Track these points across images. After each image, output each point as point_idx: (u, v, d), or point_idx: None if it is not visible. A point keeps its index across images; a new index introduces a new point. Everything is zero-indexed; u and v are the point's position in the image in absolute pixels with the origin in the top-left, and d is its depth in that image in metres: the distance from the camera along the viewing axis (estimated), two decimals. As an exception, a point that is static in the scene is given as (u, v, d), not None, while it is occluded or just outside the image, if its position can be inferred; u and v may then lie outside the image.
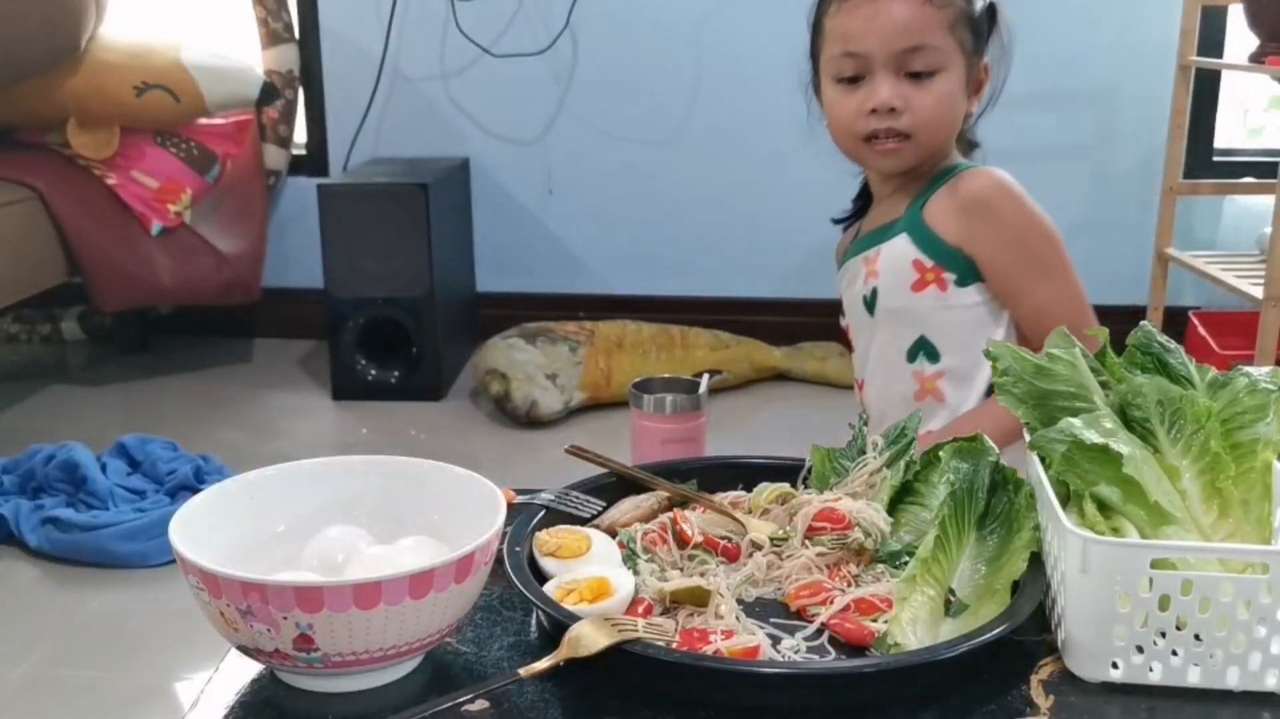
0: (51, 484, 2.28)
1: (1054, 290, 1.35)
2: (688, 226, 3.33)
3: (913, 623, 0.85)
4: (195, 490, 1.28)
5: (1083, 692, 0.81)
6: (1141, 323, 0.98)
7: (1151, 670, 0.81)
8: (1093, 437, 0.85)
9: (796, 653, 0.85)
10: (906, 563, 0.91)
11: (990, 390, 1.35)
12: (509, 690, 0.80)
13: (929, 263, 1.38)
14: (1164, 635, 0.80)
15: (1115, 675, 0.82)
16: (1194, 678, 0.81)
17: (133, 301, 3.07)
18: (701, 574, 0.93)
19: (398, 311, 2.93)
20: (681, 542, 0.97)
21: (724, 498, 1.04)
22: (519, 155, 3.34)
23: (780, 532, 0.98)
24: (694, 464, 1.11)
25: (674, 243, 3.35)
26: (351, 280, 2.91)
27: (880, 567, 0.95)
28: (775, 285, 3.32)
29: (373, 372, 2.98)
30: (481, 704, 0.79)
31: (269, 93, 3.06)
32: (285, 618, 0.76)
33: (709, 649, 0.82)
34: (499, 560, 0.86)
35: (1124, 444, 0.84)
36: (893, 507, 1.00)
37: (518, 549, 0.92)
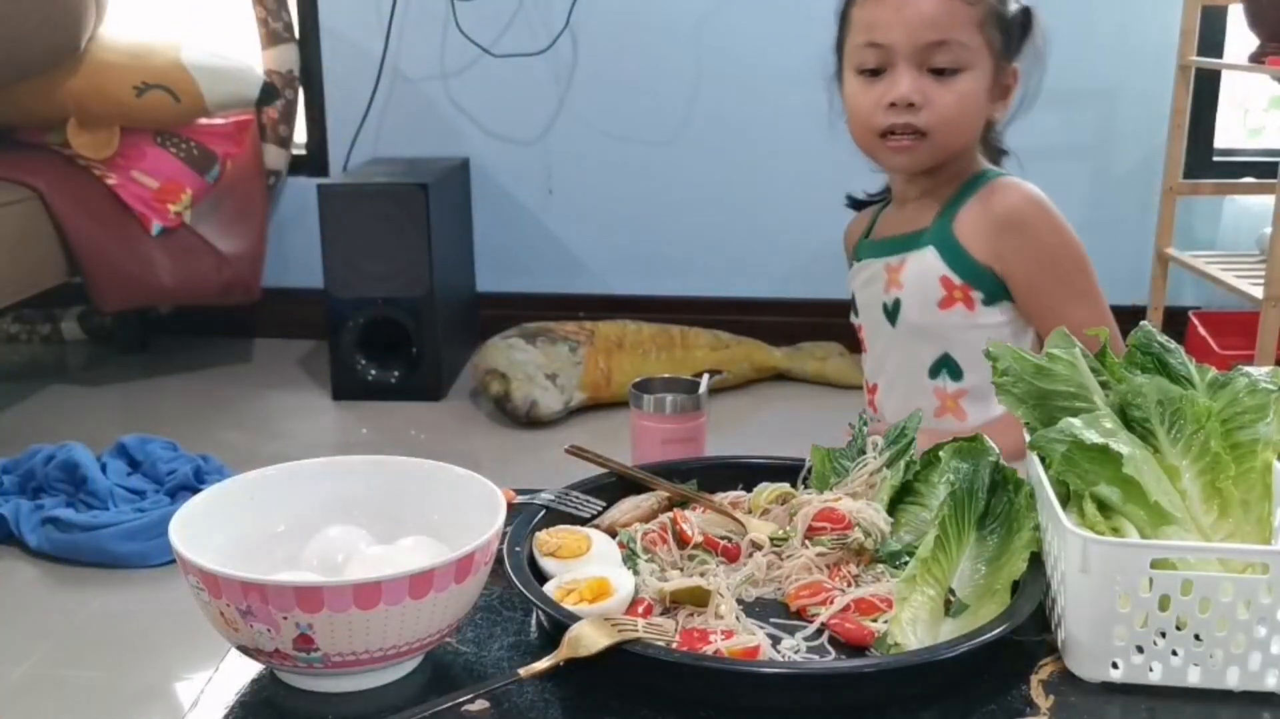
0: (51, 484, 2.28)
1: (1083, 312, 1.32)
2: (688, 226, 3.33)
3: (913, 623, 0.85)
4: (195, 490, 1.28)
5: (1083, 692, 0.81)
6: (1141, 323, 0.98)
7: (1151, 670, 0.81)
8: (1093, 437, 0.85)
9: (796, 653, 0.85)
10: (906, 563, 0.91)
11: None
12: (509, 690, 0.80)
13: (958, 280, 1.35)
14: (1164, 635, 0.80)
15: (1115, 675, 0.82)
16: (1194, 678, 0.81)
17: (133, 301, 3.07)
18: (701, 574, 0.93)
19: (398, 311, 2.93)
20: (681, 542, 0.97)
21: (724, 498, 1.04)
22: (519, 155, 3.34)
23: (780, 532, 0.98)
24: (694, 464, 1.11)
25: (674, 243, 3.35)
26: (351, 280, 2.91)
27: (880, 567, 0.95)
28: (775, 285, 3.33)
29: (373, 371, 2.98)
30: (481, 704, 0.79)
31: (269, 93, 3.06)
32: (285, 618, 0.76)
33: (709, 649, 0.82)
34: (499, 560, 0.86)
35: (1124, 444, 0.84)
36: (893, 507, 1.00)
37: (518, 549, 0.92)
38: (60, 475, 2.28)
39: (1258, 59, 2.64)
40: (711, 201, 3.30)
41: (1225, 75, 3.18)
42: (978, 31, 1.31)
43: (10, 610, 2.01)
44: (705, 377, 1.25)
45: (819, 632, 0.87)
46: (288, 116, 3.28)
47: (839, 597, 0.89)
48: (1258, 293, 2.50)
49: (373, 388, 2.97)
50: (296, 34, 3.27)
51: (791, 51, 3.11)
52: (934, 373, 1.39)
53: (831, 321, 3.06)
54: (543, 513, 0.99)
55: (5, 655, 1.84)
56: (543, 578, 0.91)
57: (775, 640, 0.86)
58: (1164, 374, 0.92)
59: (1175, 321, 2.93)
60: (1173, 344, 0.96)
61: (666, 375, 1.30)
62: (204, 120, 3.10)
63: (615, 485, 1.06)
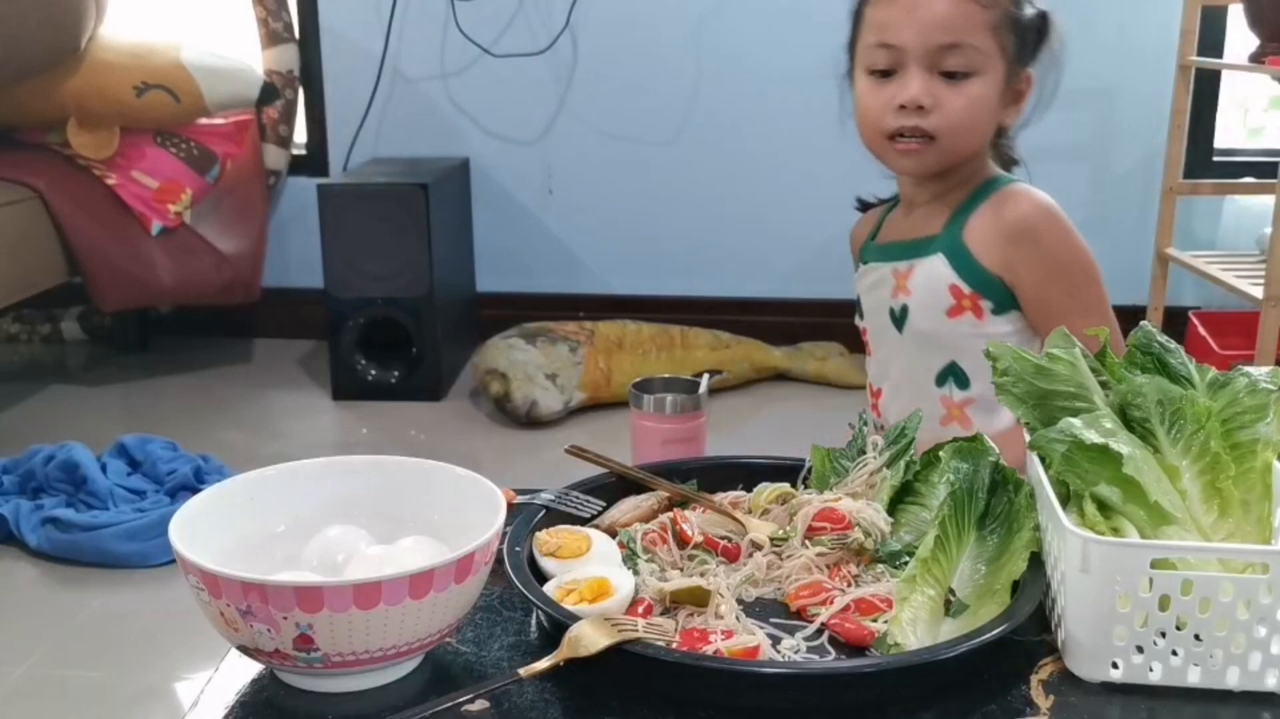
0: (51, 484, 2.28)
1: (1091, 325, 1.30)
2: (688, 226, 3.33)
3: (913, 623, 0.85)
4: (195, 490, 1.28)
5: (1083, 692, 0.81)
6: (1141, 323, 0.98)
7: (1151, 670, 0.81)
8: (1093, 437, 0.85)
9: (796, 653, 0.85)
10: (906, 563, 0.91)
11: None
12: (509, 690, 0.80)
13: (967, 289, 1.33)
14: (1164, 635, 0.80)
15: (1115, 675, 0.82)
16: (1194, 678, 0.81)
17: (133, 301, 3.07)
18: (701, 574, 0.93)
19: (398, 312, 2.93)
20: (681, 542, 0.97)
21: (724, 498, 1.04)
22: (519, 155, 3.34)
23: (780, 532, 0.98)
24: (694, 464, 1.11)
25: (674, 242, 3.35)
26: (351, 280, 2.91)
27: (880, 567, 0.95)
28: (775, 285, 3.33)
29: (373, 372, 2.98)
30: (481, 704, 0.79)
31: (269, 93, 3.06)
32: (285, 618, 0.76)
33: (709, 649, 0.82)
34: (499, 560, 0.86)
35: (1124, 444, 0.84)
36: (893, 507, 1.00)
37: (518, 549, 0.92)
38: (60, 475, 2.28)
39: (1258, 59, 2.64)
40: (711, 201, 3.30)
41: (1225, 75, 3.18)
42: (991, 35, 1.29)
43: (10, 610, 2.01)
44: (705, 377, 1.25)
45: (819, 632, 0.87)
46: (288, 116, 3.28)
47: (839, 597, 0.89)
48: (1258, 293, 2.50)
49: (373, 388, 2.97)
50: (296, 34, 3.27)
51: (791, 51, 3.11)
52: (940, 381, 1.38)
53: (831, 321, 3.07)
54: (543, 513, 0.99)
55: (5, 655, 1.84)
56: (543, 578, 0.91)
57: (775, 640, 0.86)
58: (1164, 374, 0.93)
59: (1175, 321, 2.93)
60: (1173, 344, 0.96)
61: (666, 375, 1.30)
62: (204, 120, 3.10)
63: (615, 485, 1.06)
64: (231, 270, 3.10)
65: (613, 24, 3.22)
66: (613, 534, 0.99)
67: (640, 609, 0.88)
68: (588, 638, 0.79)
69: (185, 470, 2.33)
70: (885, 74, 1.31)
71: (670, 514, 1.00)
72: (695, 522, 0.99)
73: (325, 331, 3.01)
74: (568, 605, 0.85)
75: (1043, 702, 0.80)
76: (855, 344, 3.06)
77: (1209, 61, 2.95)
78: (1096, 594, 0.80)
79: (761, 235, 3.31)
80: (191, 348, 3.39)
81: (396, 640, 0.78)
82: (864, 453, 1.05)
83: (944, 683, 0.81)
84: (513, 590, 0.88)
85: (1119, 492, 0.84)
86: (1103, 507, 0.85)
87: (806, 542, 0.96)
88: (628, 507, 1.03)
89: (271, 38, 3.21)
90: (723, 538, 0.99)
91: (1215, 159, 3.23)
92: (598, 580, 0.88)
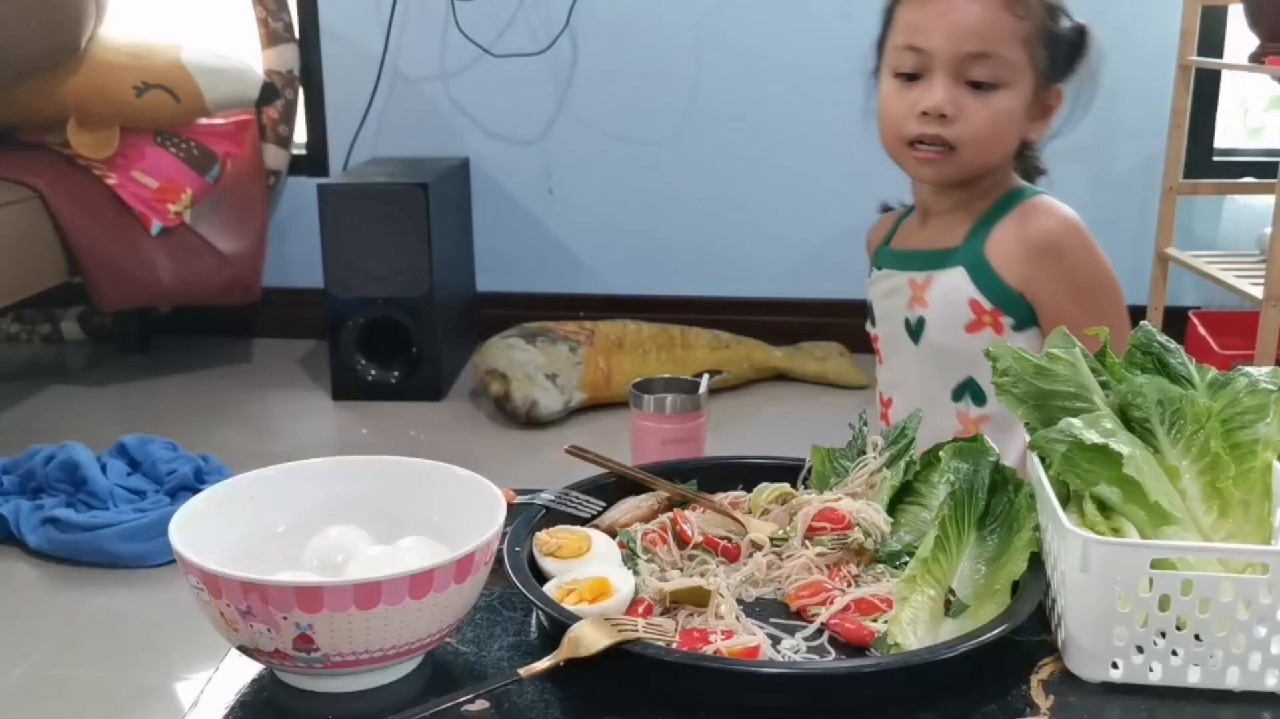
0: (51, 484, 2.28)
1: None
2: (688, 226, 3.33)
3: (913, 623, 0.85)
4: (195, 490, 1.28)
5: (1083, 692, 0.81)
6: (1141, 323, 0.98)
7: (1151, 671, 0.81)
8: (1093, 437, 0.85)
9: (796, 653, 0.85)
10: (906, 563, 0.91)
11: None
12: (509, 690, 0.80)
13: (988, 305, 1.29)
14: (1164, 635, 0.80)
15: (1115, 675, 0.82)
16: (1194, 678, 0.81)
17: (133, 301, 3.07)
18: (701, 574, 0.93)
19: (398, 312, 2.93)
20: (681, 542, 0.97)
21: (724, 498, 1.04)
22: (519, 155, 3.34)
23: (780, 532, 0.98)
24: (694, 464, 1.11)
25: (674, 243, 3.35)
26: (351, 280, 2.91)
27: (880, 567, 0.95)
28: (775, 285, 3.32)
29: (373, 372, 2.98)
30: (481, 704, 0.78)
31: (269, 93, 3.06)
32: (285, 618, 0.76)
33: (709, 649, 0.82)
34: (499, 560, 0.86)
35: (1124, 444, 0.84)
36: (893, 507, 1.00)
37: (518, 549, 0.92)
38: (60, 475, 2.28)
39: (1258, 59, 2.64)
40: (711, 201, 3.30)
41: (1225, 75, 3.18)
42: (1022, 47, 1.25)
43: (10, 610, 2.01)
44: (705, 377, 1.25)
45: (819, 632, 0.87)
46: (288, 116, 3.28)
47: (839, 597, 0.89)
48: (1258, 293, 2.50)
49: (373, 388, 2.97)
50: (296, 34, 3.27)
51: (792, 52, 3.11)
52: (956, 396, 1.34)
53: (831, 322, 3.07)
54: (543, 513, 0.99)
55: (5, 655, 1.84)
56: (543, 578, 0.91)
57: (775, 640, 0.86)
58: (1164, 374, 0.92)
59: (1175, 321, 2.93)
60: (1173, 344, 0.96)
61: (666, 375, 1.30)
62: (204, 120, 3.10)
63: (615, 485, 1.06)
64: (231, 270, 3.10)
65: (613, 24, 3.22)
66: (613, 534, 0.99)
67: (640, 609, 0.88)
68: (588, 638, 0.79)
69: (185, 470, 2.33)
70: (911, 78, 1.28)
71: (670, 514, 1.00)
72: (695, 522, 0.99)
73: (325, 332, 3.01)
74: (568, 605, 0.85)
75: (1043, 702, 0.80)
76: (855, 344, 3.06)
77: (1209, 61, 2.95)
78: (1096, 594, 0.80)
79: (762, 235, 3.31)
80: (191, 348, 3.39)
81: (396, 640, 0.78)
82: (864, 453, 1.05)
83: (944, 683, 0.81)
84: (513, 590, 0.88)
85: (1119, 492, 0.84)
86: (1103, 507, 0.85)
87: (806, 542, 0.96)
88: (628, 507, 1.03)
89: (271, 38, 3.21)
90: (723, 538, 0.99)
91: (1215, 159, 3.23)
92: (598, 580, 0.88)
